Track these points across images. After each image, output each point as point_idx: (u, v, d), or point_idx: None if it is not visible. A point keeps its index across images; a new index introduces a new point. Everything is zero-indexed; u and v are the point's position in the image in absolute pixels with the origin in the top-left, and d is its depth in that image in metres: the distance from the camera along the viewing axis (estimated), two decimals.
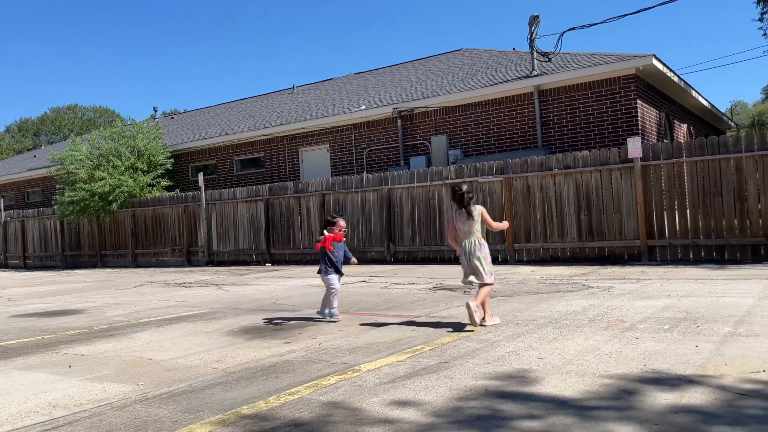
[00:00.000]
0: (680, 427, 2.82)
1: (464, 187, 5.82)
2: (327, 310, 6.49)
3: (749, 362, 3.87)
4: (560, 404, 3.23)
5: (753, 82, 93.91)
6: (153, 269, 16.99)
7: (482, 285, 5.67)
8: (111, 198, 18.46)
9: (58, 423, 3.38)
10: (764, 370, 3.66)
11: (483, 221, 5.79)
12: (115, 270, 17.63)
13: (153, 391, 3.96)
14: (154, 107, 30.12)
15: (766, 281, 7.63)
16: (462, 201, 5.75)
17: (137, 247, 18.89)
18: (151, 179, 19.42)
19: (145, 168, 19.55)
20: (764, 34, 20.20)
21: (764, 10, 19.89)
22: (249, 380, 4.10)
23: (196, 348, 5.33)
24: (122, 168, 18.98)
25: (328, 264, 6.50)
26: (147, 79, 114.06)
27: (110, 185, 18.30)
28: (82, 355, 5.26)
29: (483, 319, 5.59)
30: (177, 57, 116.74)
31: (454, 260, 13.13)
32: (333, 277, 6.50)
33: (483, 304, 5.61)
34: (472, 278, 5.75)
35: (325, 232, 6.59)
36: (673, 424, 2.86)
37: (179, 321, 7.00)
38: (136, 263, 18.87)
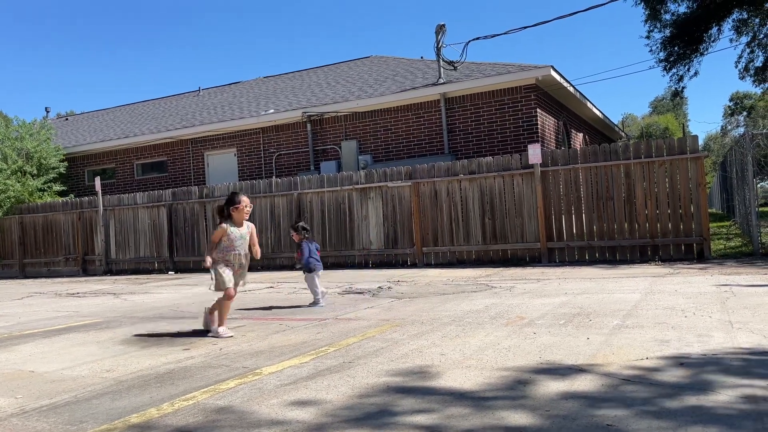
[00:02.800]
0: (569, 411, 2.93)
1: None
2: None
3: (634, 351, 4.10)
4: (458, 396, 3.27)
5: (642, 96, 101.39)
6: (44, 279, 15.84)
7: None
8: None
9: None
10: (647, 358, 3.89)
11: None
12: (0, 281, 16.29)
13: (32, 403, 3.65)
14: (46, 108, 28.24)
15: (652, 278, 8.17)
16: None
17: (26, 257, 17.55)
18: (42, 184, 18.15)
19: (35, 172, 18.24)
20: (650, 51, 21.73)
21: (651, 29, 21.46)
22: (141, 388, 3.88)
23: (85, 358, 4.99)
24: (8, 172, 17.60)
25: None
26: (40, 79, 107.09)
27: None
28: None
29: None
30: (73, 57, 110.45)
31: (365, 264, 13.18)
32: None
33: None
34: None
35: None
36: (562, 409, 2.97)
37: (68, 331, 6.54)
38: (25, 274, 17.53)
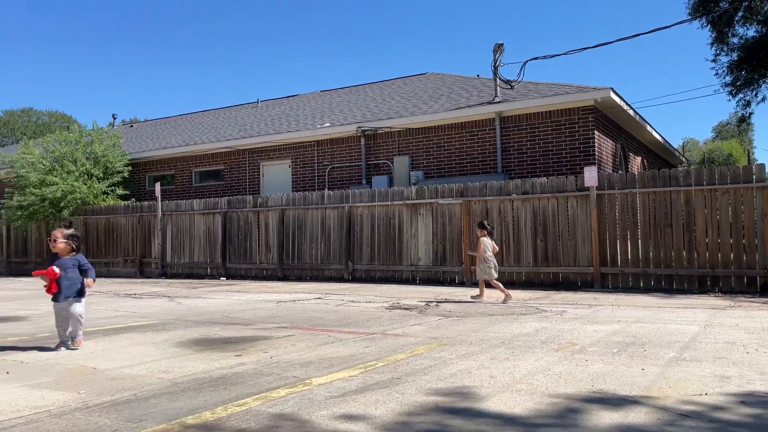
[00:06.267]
0: None
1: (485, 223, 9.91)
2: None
3: (692, 385, 3.97)
4: (508, 421, 3.25)
5: (705, 120, 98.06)
6: (103, 279, 16.47)
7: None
8: (62, 204, 17.87)
9: None
10: (705, 393, 3.76)
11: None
12: None
13: (94, 399, 3.82)
14: (113, 114, 29.57)
15: (711, 311, 7.88)
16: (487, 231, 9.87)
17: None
18: (107, 187, 18.94)
19: (101, 175, 19.05)
20: (716, 74, 21.12)
21: (717, 52, 20.86)
22: (196, 391, 4.00)
23: (143, 358, 5.17)
24: (76, 174, 18.44)
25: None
26: (107, 85, 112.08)
27: (62, 191, 17.72)
28: (22, 362, 5.05)
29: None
30: (138, 66, 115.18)
31: (412, 280, 13.20)
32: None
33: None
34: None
35: None
36: None
37: (127, 331, 6.79)
38: None
